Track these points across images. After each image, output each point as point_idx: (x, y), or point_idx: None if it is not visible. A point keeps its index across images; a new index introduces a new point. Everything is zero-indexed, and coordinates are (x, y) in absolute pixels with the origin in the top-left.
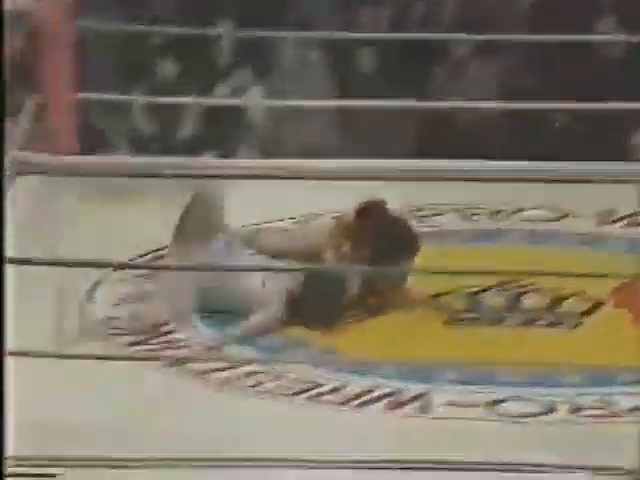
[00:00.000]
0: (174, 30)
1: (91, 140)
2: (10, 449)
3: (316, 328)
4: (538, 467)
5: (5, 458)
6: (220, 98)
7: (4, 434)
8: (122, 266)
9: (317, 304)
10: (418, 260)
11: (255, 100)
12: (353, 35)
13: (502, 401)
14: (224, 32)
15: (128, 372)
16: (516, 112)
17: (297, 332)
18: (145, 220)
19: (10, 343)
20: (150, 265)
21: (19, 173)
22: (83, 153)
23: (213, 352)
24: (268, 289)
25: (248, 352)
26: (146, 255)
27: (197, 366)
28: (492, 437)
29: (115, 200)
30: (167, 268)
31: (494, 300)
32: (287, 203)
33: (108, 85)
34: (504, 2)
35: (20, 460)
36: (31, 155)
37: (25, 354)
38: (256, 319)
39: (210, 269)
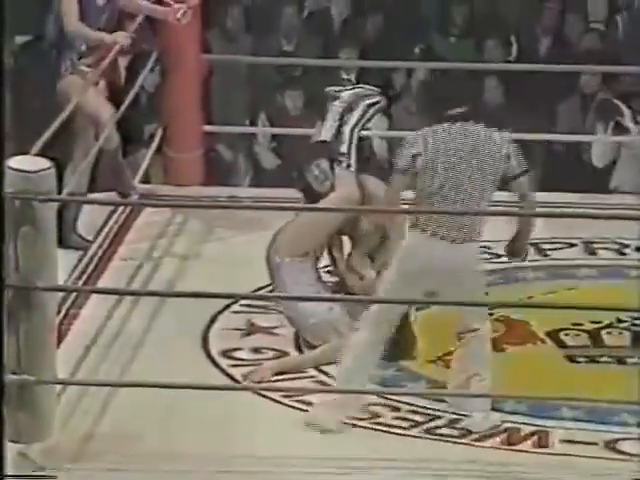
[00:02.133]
0: (299, 61)
1: (216, 172)
2: None
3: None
4: None
5: (5, 458)
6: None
7: (4, 435)
8: (244, 297)
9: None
10: (540, 296)
11: (379, 130)
12: (478, 66)
13: (622, 440)
14: (348, 62)
15: (244, 403)
16: None
17: (412, 365)
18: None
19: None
20: (267, 295)
21: (144, 205)
22: (207, 185)
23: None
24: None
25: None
26: (269, 286)
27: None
28: (611, 476)
29: (239, 231)
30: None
31: (616, 338)
32: None
33: (233, 117)
34: None
35: None
36: (156, 187)
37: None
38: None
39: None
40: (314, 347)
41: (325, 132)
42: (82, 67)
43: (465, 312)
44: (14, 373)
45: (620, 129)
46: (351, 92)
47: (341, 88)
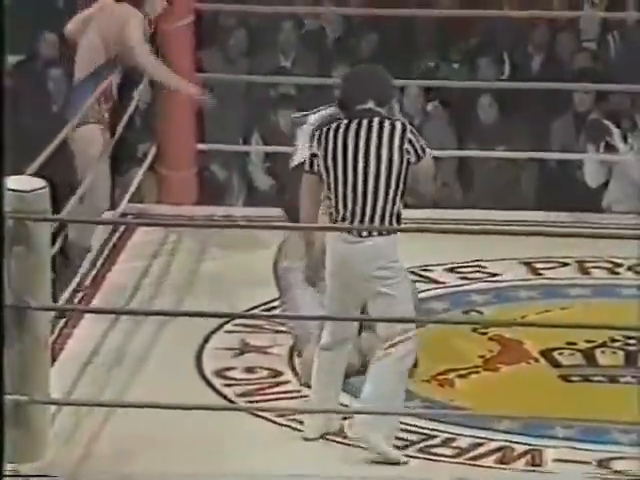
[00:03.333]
0: (294, 80)
1: (209, 190)
2: None
3: None
4: None
5: (5, 457)
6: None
7: (4, 434)
8: (237, 316)
9: None
10: (534, 315)
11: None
12: (475, 84)
13: (615, 459)
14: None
15: (239, 423)
16: None
17: (407, 384)
18: (260, 271)
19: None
20: (260, 314)
21: (138, 224)
22: (201, 204)
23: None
24: None
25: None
26: (263, 305)
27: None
28: None
29: (233, 250)
30: (279, 317)
31: (610, 357)
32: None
33: (228, 136)
34: None
35: None
36: (150, 206)
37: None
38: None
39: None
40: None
41: (298, 156)
42: (104, 113)
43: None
44: (8, 393)
45: (611, 149)
46: (317, 115)
47: (305, 113)
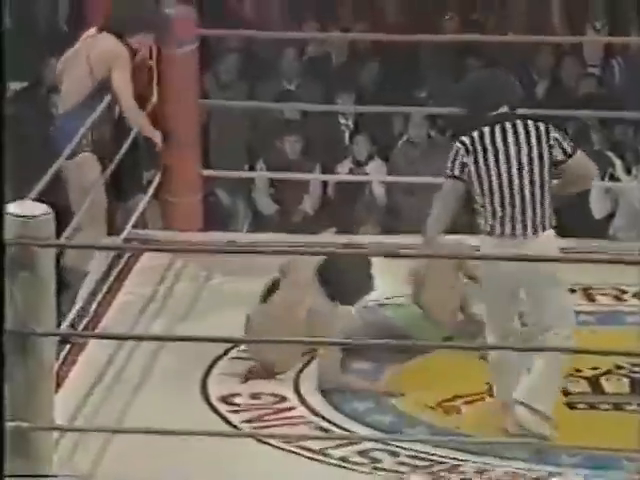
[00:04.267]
0: (298, 106)
1: (214, 217)
2: None
3: None
4: None
5: (5, 457)
6: (342, 174)
7: (4, 435)
8: (243, 341)
9: None
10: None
11: (377, 175)
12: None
13: None
14: (346, 107)
15: (244, 449)
16: None
17: (412, 410)
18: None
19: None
20: (266, 340)
21: (144, 250)
22: (206, 230)
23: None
24: None
25: (363, 430)
26: None
27: (313, 444)
28: None
29: (238, 276)
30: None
31: (615, 384)
32: None
33: (232, 162)
34: None
35: None
36: (155, 232)
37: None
38: None
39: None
40: None
41: None
42: (101, 140)
43: (544, 310)
44: (10, 420)
45: (614, 180)
46: None
47: None
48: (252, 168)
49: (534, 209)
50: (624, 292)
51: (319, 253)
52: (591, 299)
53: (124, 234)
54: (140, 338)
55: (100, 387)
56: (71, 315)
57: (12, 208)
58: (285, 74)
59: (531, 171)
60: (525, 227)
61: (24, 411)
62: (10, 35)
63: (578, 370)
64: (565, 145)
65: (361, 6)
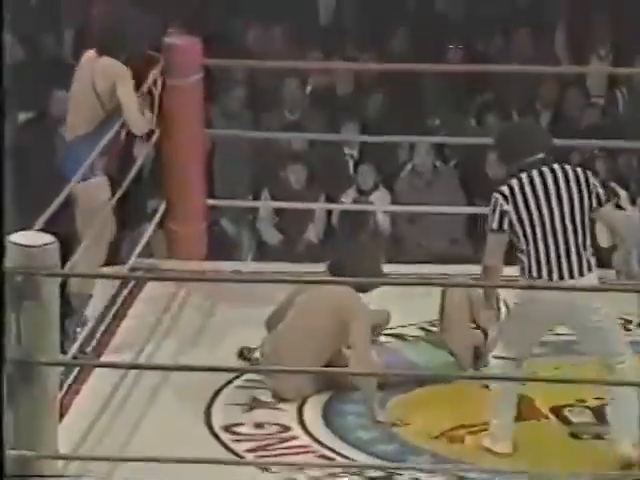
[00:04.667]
0: (303, 136)
1: (219, 246)
2: None
3: None
4: None
5: (5, 458)
6: (347, 204)
7: (4, 435)
8: (246, 371)
9: None
10: (545, 372)
11: (381, 204)
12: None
13: None
14: (350, 136)
15: (246, 478)
16: None
17: (416, 439)
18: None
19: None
20: (269, 369)
21: (148, 279)
22: (210, 259)
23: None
24: None
25: (367, 459)
26: None
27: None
28: None
29: (242, 305)
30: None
31: None
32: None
33: (237, 191)
34: None
35: None
36: (160, 261)
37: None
38: None
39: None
40: None
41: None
42: (111, 170)
43: (602, 345)
44: (14, 448)
45: (619, 210)
46: None
47: None
48: (256, 198)
49: (578, 252)
50: (629, 322)
51: (324, 282)
52: None
53: (129, 263)
54: (144, 368)
55: (104, 415)
56: (77, 343)
57: (17, 238)
58: (289, 104)
59: (572, 214)
60: (571, 270)
61: (28, 439)
62: (19, 66)
63: (582, 400)
64: (600, 192)
65: (366, 37)
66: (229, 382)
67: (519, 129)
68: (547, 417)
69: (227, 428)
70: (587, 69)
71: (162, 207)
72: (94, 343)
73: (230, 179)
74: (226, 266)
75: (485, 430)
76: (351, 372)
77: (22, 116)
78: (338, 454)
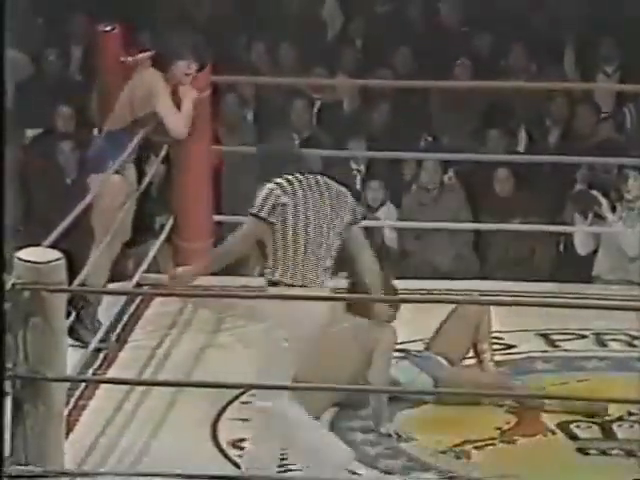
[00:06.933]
0: (310, 152)
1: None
2: None
3: None
4: None
5: (5, 458)
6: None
7: (3, 435)
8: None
9: None
10: (552, 387)
11: (388, 221)
12: (488, 157)
13: None
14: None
15: None
16: None
17: (423, 455)
18: None
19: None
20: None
21: (155, 294)
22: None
23: None
24: None
25: (372, 473)
26: None
27: None
28: None
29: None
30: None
31: (627, 431)
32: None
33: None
34: None
35: None
36: (166, 277)
37: None
38: None
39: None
40: None
41: None
42: (130, 169)
43: None
44: (20, 464)
45: (599, 219)
46: None
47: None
48: None
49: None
50: (636, 338)
51: (329, 299)
52: (603, 344)
53: (136, 278)
54: (151, 384)
55: (110, 431)
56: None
57: (24, 254)
58: (296, 122)
59: (329, 226)
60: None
61: (35, 455)
62: (26, 84)
63: (590, 416)
64: (358, 211)
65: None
66: (236, 397)
67: (275, 150)
68: (554, 432)
69: (234, 443)
70: (594, 85)
71: (170, 223)
72: (100, 359)
73: (237, 196)
74: (233, 282)
75: (493, 445)
76: (355, 388)
77: (30, 132)
78: (345, 470)
